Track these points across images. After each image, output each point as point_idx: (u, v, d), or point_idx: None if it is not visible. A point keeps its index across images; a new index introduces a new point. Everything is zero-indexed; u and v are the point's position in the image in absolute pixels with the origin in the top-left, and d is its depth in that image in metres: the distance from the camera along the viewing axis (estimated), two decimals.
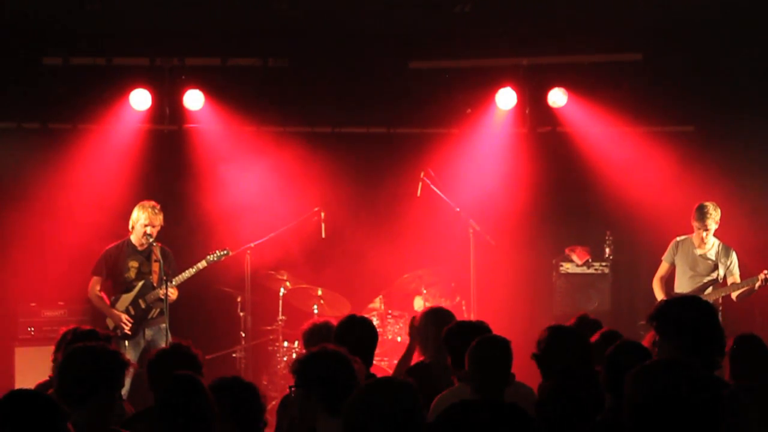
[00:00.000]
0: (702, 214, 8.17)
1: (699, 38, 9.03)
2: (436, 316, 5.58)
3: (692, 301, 4.21)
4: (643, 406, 2.80)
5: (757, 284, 8.00)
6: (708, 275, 8.30)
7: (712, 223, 8.18)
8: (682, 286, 8.34)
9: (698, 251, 8.31)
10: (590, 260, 9.55)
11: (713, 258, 8.29)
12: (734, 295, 8.18)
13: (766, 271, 7.96)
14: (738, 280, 8.21)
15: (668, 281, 8.47)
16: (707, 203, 8.20)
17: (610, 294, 9.51)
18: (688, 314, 4.00)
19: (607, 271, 9.53)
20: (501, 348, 4.49)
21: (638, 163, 9.75)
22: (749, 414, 3.84)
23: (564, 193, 10.00)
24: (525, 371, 4.80)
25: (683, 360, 2.90)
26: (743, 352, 4.78)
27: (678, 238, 8.45)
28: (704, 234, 8.20)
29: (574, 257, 9.56)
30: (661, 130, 9.82)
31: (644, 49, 9.56)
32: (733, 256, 8.31)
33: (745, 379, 4.62)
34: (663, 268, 8.50)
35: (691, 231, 8.37)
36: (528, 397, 4.77)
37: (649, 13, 8.71)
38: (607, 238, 9.63)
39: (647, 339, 4.66)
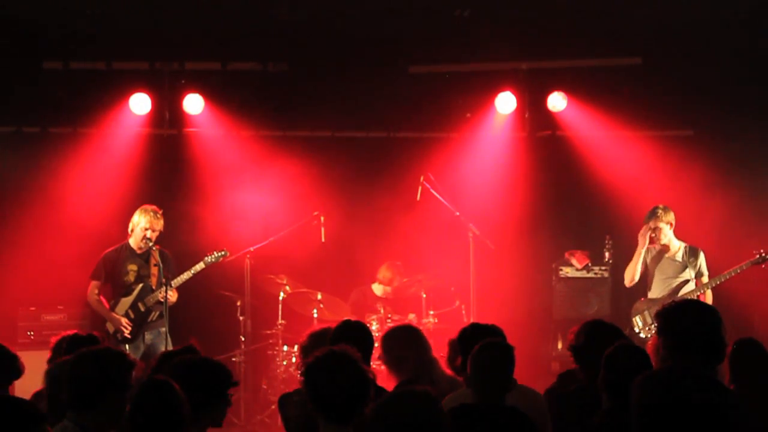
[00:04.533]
0: (651, 215, 8.25)
1: (698, 42, 9.03)
2: (404, 334, 5.42)
3: (695, 305, 4.23)
4: (651, 412, 2.77)
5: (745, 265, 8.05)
6: (677, 277, 8.33)
7: (663, 224, 8.23)
8: (655, 289, 8.39)
9: (666, 255, 8.37)
10: (590, 264, 9.55)
11: (680, 259, 8.35)
12: (712, 283, 8.20)
13: (762, 251, 8.06)
14: (706, 280, 8.26)
15: (643, 287, 8.50)
16: (657, 205, 8.30)
17: (610, 298, 9.50)
18: (689, 317, 4.01)
19: (606, 275, 9.54)
20: (502, 354, 4.38)
21: (638, 167, 9.75)
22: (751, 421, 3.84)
23: (564, 197, 10.01)
24: (526, 374, 4.79)
25: (691, 366, 2.86)
26: (743, 357, 4.78)
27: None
28: (653, 235, 8.27)
29: (574, 261, 9.56)
30: (661, 134, 9.83)
31: (644, 53, 9.55)
32: (701, 257, 8.35)
33: (744, 383, 4.63)
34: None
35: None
36: (534, 399, 4.75)
37: (649, 17, 8.71)
38: (606, 242, 9.62)
39: (651, 342, 4.66)
